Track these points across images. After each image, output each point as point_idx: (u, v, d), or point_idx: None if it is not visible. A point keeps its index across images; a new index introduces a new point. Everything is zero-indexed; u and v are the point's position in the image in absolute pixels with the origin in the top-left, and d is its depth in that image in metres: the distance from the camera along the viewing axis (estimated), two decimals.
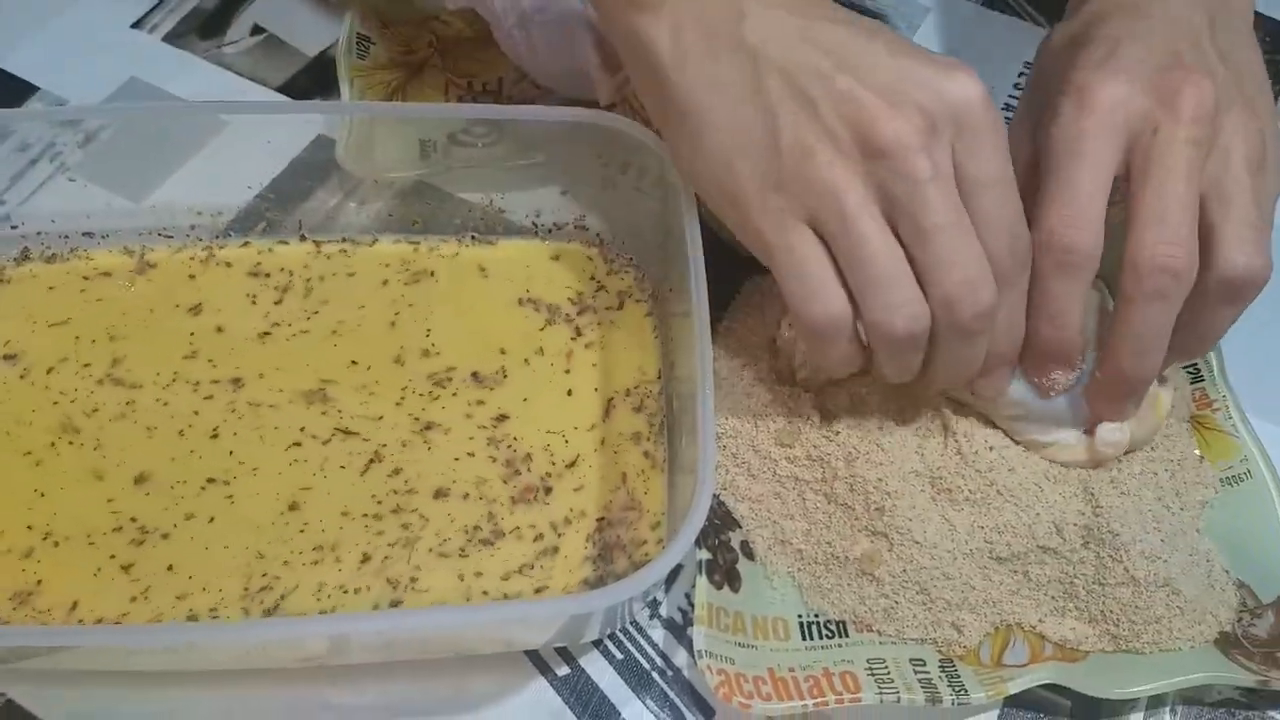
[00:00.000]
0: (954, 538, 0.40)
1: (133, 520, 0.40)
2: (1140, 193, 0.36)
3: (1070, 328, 0.38)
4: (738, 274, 0.48)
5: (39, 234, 0.47)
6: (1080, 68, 0.38)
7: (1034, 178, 0.39)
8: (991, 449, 0.41)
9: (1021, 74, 0.59)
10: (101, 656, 0.37)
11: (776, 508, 0.42)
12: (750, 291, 0.48)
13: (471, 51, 0.57)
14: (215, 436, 0.43)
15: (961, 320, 0.36)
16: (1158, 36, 0.38)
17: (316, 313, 0.46)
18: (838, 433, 0.42)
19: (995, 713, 0.40)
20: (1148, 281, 0.36)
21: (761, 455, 0.42)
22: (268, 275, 0.47)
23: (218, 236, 0.48)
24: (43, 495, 0.41)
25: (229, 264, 0.47)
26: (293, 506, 0.41)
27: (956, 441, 0.41)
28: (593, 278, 0.48)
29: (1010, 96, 0.58)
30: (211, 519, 0.41)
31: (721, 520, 0.42)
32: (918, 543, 0.40)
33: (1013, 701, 0.40)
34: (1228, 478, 0.43)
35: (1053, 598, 0.40)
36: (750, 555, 0.42)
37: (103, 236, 0.48)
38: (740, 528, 0.42)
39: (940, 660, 0.39)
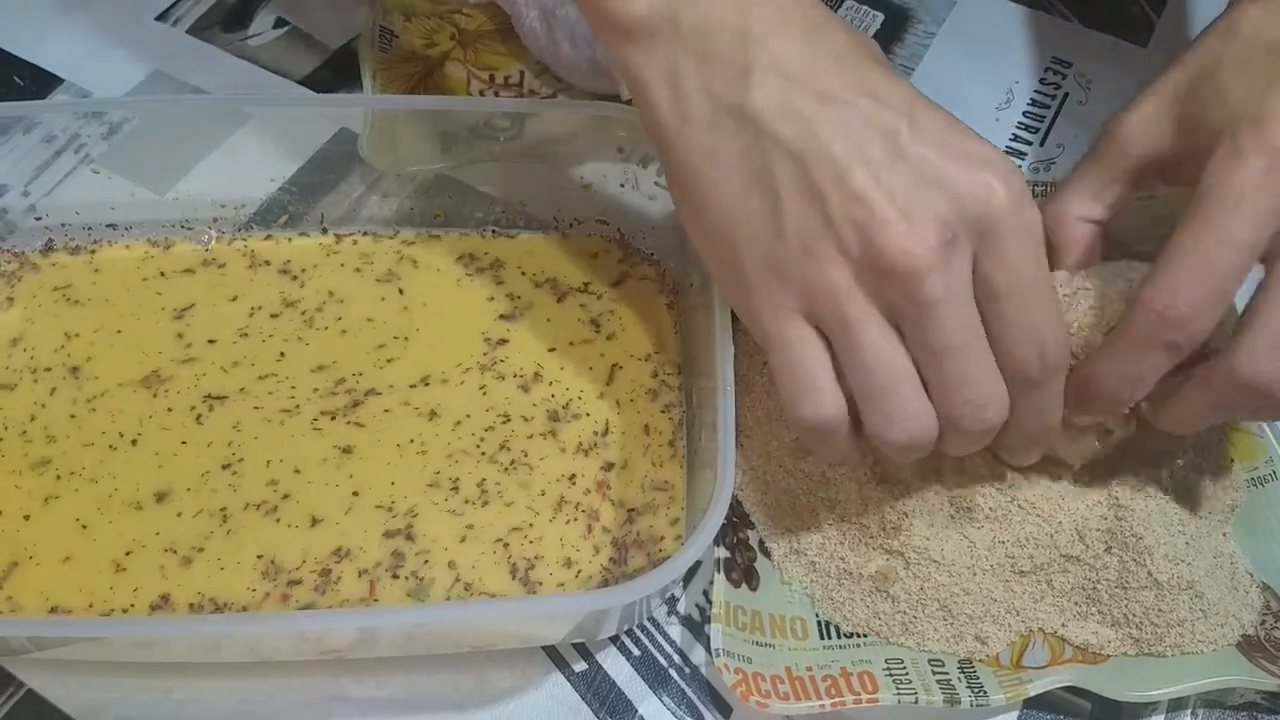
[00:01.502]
0: (974, 554, 0.39)
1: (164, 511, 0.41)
2: (1276, 296, 0.32)
3: (1137, 395, 0.35)
4: None
5: (63, 225, 0.47)
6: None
7: (1169, 173, 0.36)
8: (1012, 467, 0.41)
9: (1049, 68, 0.58)
10: (119, 647, 0.38)
11: (791, 517, 0.41)
12: None
13: (493, 44, 0.57)
14: (237, 427, 0.43)
15: (972, 435, 0.34)
16: None
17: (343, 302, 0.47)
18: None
19: (1015, 715, 0.39)
20: (1234, 391, 0.33)
21: (776, 463, 0.42)
22: (292, 269, 0.47)
23: (240, 229, 0.48)
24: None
25: (252, 255, 0.48)
26: (356, 493, 0.42)
27: (976, 460, 0.41)
28: (613, 272, 0.48)
29: (1036, 92, 0.57)
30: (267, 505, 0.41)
31: (740, 518, 0.42)
32: (935, 561, 0.39)
33: (1032, 703, 0.39)
34: (1252, 479, 0.43)
35: (1075, 603, 0.40)
36: (768, 554, 0.41)
37: (126, 228, 0.48)
38: (755, 528, 0.42)
39: (959, 662, 0.39)
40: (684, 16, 0.33)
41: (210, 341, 0.45)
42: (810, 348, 0.33)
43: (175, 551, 0.40)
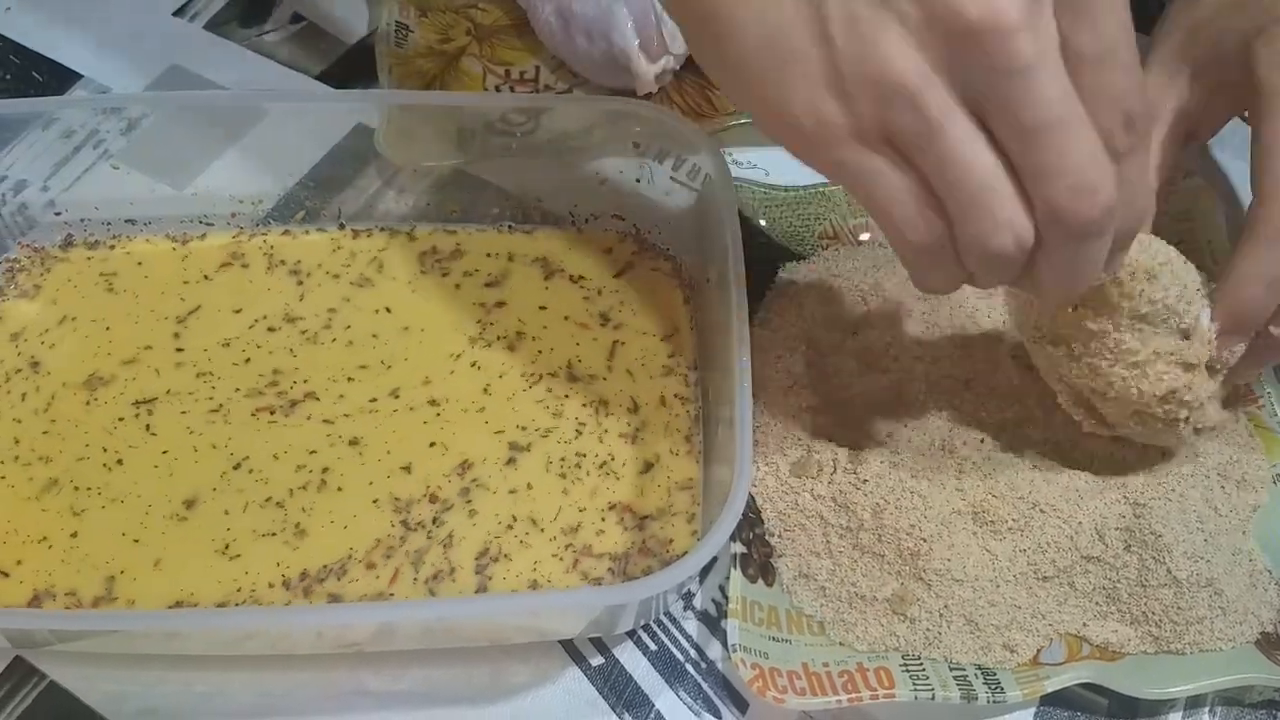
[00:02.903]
0: (996, 566, 0.39)
1: (185, 504, 0.41)
2: None
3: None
4: (775, 264, 0.48)
5: (82, 220, 0.48)
6: None
7: (1196, 128, 0.35)
8: (1035, 467, 0.41)
9: None
10: (141, 640, 0.38)
11: (803, 541, 0.41)
12: (785, 283, 0.48)
13: (509, 39, 0.57)
14: (257, 415, 0.43)
15: (1075, 229, 0.29)
16: None
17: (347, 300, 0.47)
18: (865, 481, 0.40)
19: (1031, 711, 0.39)
20: None
21: (782, 482, 0.42)
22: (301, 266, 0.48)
23: (258, 224, 0.49)
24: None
25: (270, 253, 0.48)
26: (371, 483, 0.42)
27: (998, 469, 0.41)
28: (630, 267, 0.48)
29: None
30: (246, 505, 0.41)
31: (755, 514, 0.42)
32: (958, 580, 0.39)
33: (1049, 700, 0.39)
34: (1272, 476, 0.43)
35: (1096, 603, 0.40)
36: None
37: (145, 223, 0.48)
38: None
39: None
40: None
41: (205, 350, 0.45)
42: (891, 172, 0.29)
43: (226, 550, 0.40)
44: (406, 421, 0.43)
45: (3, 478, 0.41)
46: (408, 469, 0.42)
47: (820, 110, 0.29)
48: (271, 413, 0.43)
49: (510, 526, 0.41)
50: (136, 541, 0.40)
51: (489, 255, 0.48)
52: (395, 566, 0.40)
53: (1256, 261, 0.34)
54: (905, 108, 0.28)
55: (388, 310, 0.46)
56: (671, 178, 0.47)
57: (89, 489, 0.41)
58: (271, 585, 0.39)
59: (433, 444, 0.43)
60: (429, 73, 0.55)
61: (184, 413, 0.43)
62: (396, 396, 0.44)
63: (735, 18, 0.29)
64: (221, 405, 0.43)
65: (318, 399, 0.44)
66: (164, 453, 0.42)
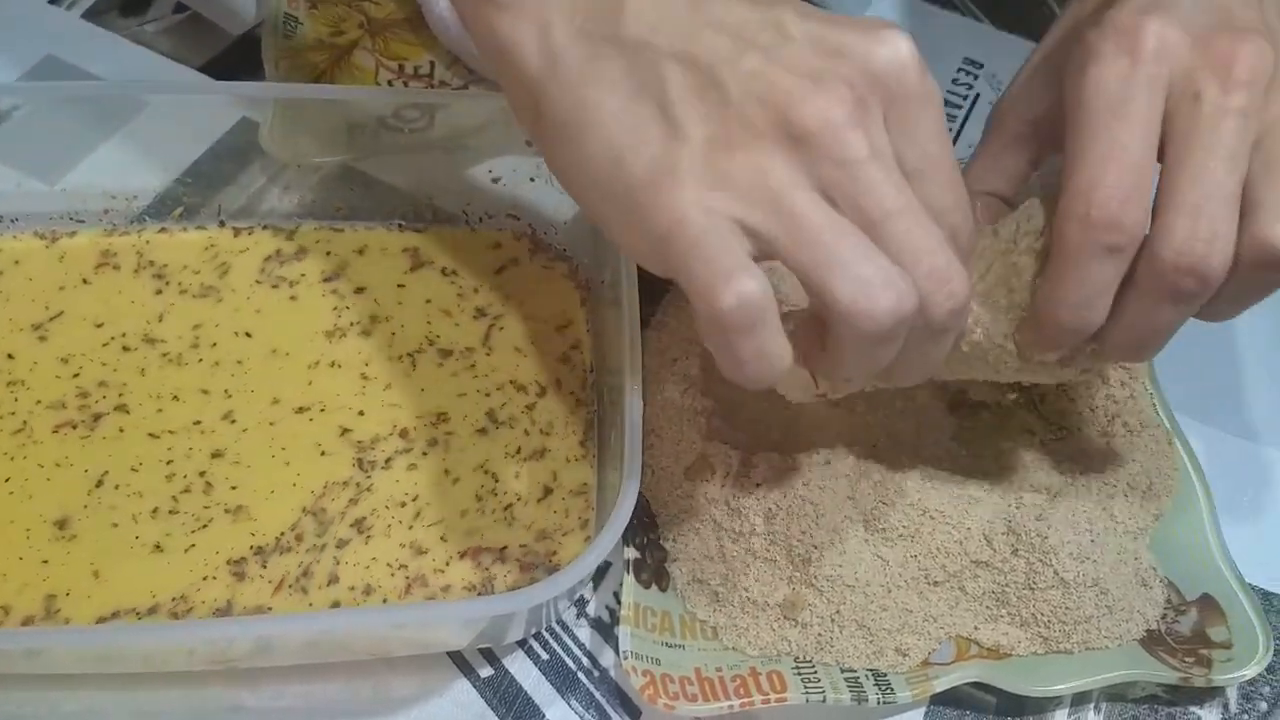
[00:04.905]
0: (887, 571, 0.39)
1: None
2: (1177, 173, 0.31)
3: (1096, 317, 0.33)
4: None
5: None
6: (1123, 6, 0.32)
7: (1052, 134, 0.35)
8: (924, 475, 0.41)
9: (960, 69, 0.59)
10: (6, 659, 0.36)
11: (696, 545, 0.40)
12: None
13: (403, 34, 0.55)
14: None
15: (936, 318, 0.30)
16: None
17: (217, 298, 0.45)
18: (758, 485, 0.40)
19: (921, 711, 0.39)
20: (1168, 280, 0.31)
21: (676, 486, 0.41)
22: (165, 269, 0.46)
23: (132, 221, 0.46)
24: None
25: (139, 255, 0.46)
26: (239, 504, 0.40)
27: (890, 476, 0.41)
28: (515, 263, 0.47)
29: (948, 93, 0.58)
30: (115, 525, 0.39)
31: (649, 519, 0.41)
32: (850, 585, 0.39)
33: (939, 699, 0.39)
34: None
35: (987, 607, 0.40)
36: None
37: (12, 220, 0.46)
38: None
39: None
40: None
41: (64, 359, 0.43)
42: (724, 234, 0.29)
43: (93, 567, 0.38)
44: (275, 432, 0.42)
45: None
46: (277, 485, 0.41)
47: (668, 192, 0.29)
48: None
49: (402, 532, 0.40)
50: (20, 559, 0.38)
51: (385, 254, 0.47)
52: (281, 573, 0.38)
53: (1060, 284, 0.33)
54: (751, 186, 0.29)
55: (248, 335, 0.44)
56: None
57: None
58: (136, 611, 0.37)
59: (322, 450, 0.41)
60: (319, 66, 0.53)
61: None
62: (275, 403, 0.42)
63: (595, 121, 0.30)
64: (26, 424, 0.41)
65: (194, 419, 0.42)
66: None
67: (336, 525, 0.40)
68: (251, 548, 0.39)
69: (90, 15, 0.55)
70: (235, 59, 0.54)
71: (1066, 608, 0.39)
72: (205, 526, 0.39)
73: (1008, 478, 0.42)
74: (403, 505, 0.40)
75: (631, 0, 0.31)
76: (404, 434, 0.42)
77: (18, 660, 0.36)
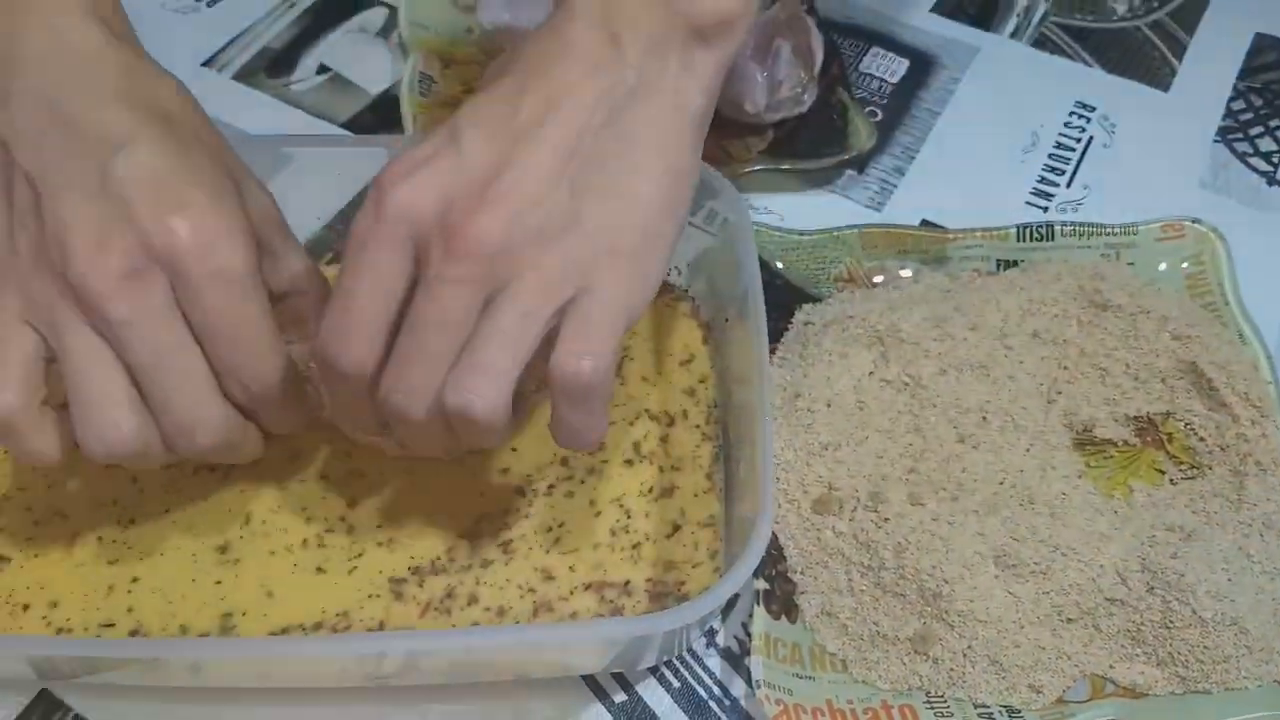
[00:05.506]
0: (1019, 607, 0.39)
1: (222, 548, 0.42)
2: (403, 329, 0.34)
3: (359, 424, 0.37)
4: (791, 306, 0.49)
5: None
6: (394, 163, 0.34)
7: None
8: (1053, 515, 0.41)
9: (1073, 112, 0.59)
10: (169, 671, 0.38)
11: (825, 578, 0.41)
12: (802, 324, 0.48)
13: None
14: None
15: (183, 453, 0.35)
16: (502, 131, 0.33)
17: None
18: (886, 520, 0.41)
19: None
20: (384, 413, 0.35)
21: (804, 519, 0.42)
22: None
23: None
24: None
25: None
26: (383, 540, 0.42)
27: (1019, 512, 0.41)
28: (653, 309, 0.49)
29: (1061, 135, 0.58)
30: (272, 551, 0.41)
31: (778, 551, 0.42)
32: (982, 621, 0.39)
33: None
34: None
35: (1122, 645, 0.40)
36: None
37: None
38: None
39: None
40: None
41: None
42: (11, 344, 0.34)
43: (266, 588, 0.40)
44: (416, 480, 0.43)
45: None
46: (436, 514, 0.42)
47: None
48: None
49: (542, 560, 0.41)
50: (193, 581, 0.40)
51: None
52: (429, 595, 0.40)
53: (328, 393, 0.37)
54: (44, 313, 0.33)
55: None
56: (692, 224, 0.48)
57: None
58: (304, 626, 0.39)
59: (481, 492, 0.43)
60: None
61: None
62: None
63: None
64: None
65: None
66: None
67: (487, 547, 0.41)
68: (409, 568, 0.41)
69: (240, 76, 0.59)
70: (375, 115, 0.58)
71: (1205, 647, 0.39)
72: (360, 555, 0.41)
73: (1139, 515, 0.42)
74: (549, 530, 0.42)
75: (15, 96, 0.34)
76: (565, 462, 0.44)
77: (183, 673, 0.38)
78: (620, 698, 0.40)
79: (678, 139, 0.36)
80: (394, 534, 0.42)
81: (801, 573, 0.41)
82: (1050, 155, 0.57)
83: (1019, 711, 0.38)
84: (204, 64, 0.60)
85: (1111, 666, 0.40)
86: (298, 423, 0.39)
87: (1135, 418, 0.45)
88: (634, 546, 0.42)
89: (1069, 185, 0.56)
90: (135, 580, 0.40)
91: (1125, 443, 0.45)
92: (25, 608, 0.40)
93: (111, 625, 0.39)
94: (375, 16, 0.63)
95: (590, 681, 0.40)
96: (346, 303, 0.34)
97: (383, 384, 0.34)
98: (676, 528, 0.42)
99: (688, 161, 0.36)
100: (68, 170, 0.33)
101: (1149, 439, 0.45)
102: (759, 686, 0.37)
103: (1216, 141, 0.58)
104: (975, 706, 0.38)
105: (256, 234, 0.37)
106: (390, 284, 0.33)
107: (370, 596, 0.40)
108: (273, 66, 0.60)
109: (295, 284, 0.40)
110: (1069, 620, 0.40)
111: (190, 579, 0.40)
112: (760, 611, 0.40)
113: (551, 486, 0.43)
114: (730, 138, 0.55)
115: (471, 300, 0.33)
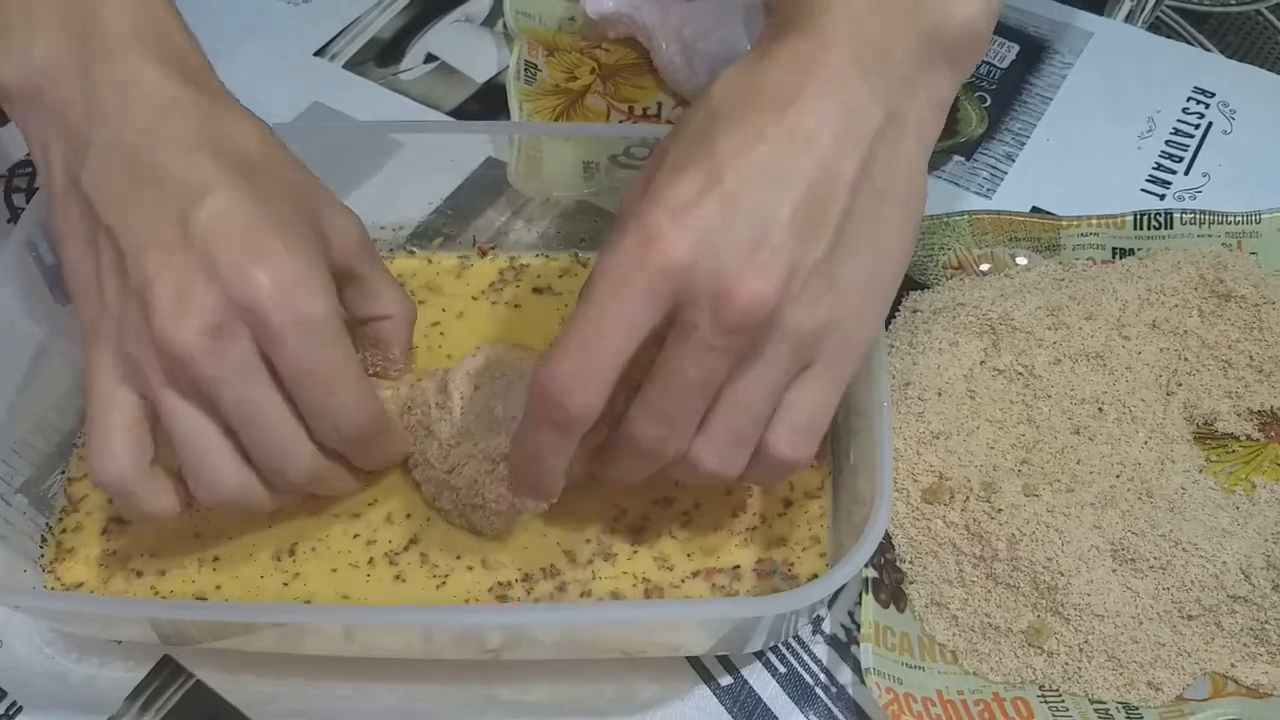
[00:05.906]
0: (1138, 603, 0.38)
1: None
2: (651, 378, 0.33)
3: (549, 475, 0.35)
4: (900, 293, 0.48)
5: None
6: (658, 200, 0.31)
7: None
8: (1173, 509, 0.40)
9: (1191, 98, 0.57)
10: (287, 638, 0.39)
11: (935, 568, 0.40)
12: (910, 311, 0.48)
13: (632, 78, 0.58)
14: None
15: (286, 493, 0.37)
16: (765, 178, 0.31)
17: None
18: (999, 510, 0.40)
19: None
20: (629, 454, 0.35)
21: (914, 508, 0.41)
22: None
23: (396, 250, 0.50)
24: None
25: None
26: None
27: (1138, 506, 0.40)
28: None
29: (1179, 121, 0.56)
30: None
31: (886, 540, 0.42)
32: (1099, 615, 0.38)
33: None
34: None
35: (1244, 644, 0.39)
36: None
37: None
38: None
39: None
40: (47, 90, 0.36)
41: None
42: (114, 407, 0.35)
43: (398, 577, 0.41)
44: None
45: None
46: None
47: (93, 343, 0.35)
48: None
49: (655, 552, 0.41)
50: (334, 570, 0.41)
51: None
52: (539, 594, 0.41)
53: (516, 445, 0.37)
54: (139, 372, 0.34)
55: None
56: None
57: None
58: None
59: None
60: (556, 109, 0.57)
61: None
62: None
63: (64, 256, 0.36)
64: None
65: None
66: None
67: (610, 538, 0.42)
68: (507, 581, 0.41)
69: (350, 65, 0.61)
70: (480, 103, 0.59)
71: None
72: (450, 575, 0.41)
73: (1263, 512, 0.41)
74: (684, 514, 0.42)
75: (96, 148, 0.35)
76: None
77: (298, 640, 0.39)
78: (726, 681, 0.40)
79: (919, 184, 0.35)
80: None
81: (910, 562, 0.41)
82: (1167, 142, 0.56)
83: (1136, 708, 0.37)
84: (315, 54, 0.61)
85: (1233, 665, 0.38)
86: (389, 460, 0.41)
87: (1259, 412, 0.44)
88: (750, 529, 0.42)
89: (1187, 172, 0.54)
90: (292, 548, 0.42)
91: (1248, 437, 0.44)
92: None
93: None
94: (480, 6, 0.63)
95: (696, 664, 0.40)
96: (591, 347, 0.32)
97: (635, 432, 0.34)
98: (788, 504, 0.42)
99: (922, 203, 0.35)
100: (147, 222, 0.34)
101: (1273, 434, 0.44)
102: (868, 674, 0.37)
103: None
104: (1092, 702, 0.38)
105: (342, 263, 0.38)
106: (641, 335, 0.32)
107: (467, 601, 0.40)
108: (381, 56, 0.61)
109: (381, 309, 0.41)
110: (1190, 617, 0.39)
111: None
112: (869, 599, 0.39)
113: None
114: None
115: (734, 362, 0.33)
